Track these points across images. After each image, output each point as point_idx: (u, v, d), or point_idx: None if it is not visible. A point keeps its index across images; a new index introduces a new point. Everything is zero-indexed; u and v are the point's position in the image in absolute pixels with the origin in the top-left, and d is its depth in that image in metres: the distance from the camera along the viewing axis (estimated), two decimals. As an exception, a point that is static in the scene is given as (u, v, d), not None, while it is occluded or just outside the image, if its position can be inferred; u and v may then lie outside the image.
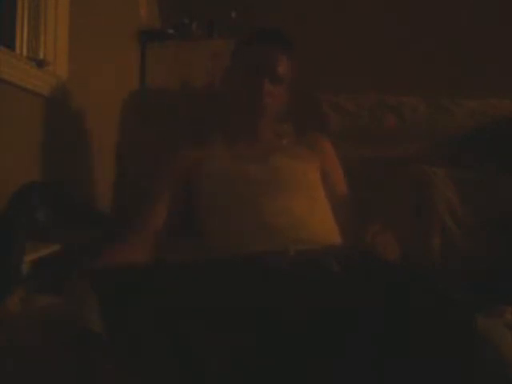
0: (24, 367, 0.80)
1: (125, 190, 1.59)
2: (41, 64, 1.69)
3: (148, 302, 0.80)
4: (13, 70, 1.53)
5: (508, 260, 1.31)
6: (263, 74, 1.30)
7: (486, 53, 2.60)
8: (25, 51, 1.71)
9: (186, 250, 1.22)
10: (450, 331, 0.77)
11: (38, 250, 1.27)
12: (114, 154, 1.62)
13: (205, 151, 1.35)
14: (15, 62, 1.57)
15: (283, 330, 0.80)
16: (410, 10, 2.72)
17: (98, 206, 1.83)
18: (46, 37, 1.75)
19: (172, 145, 1.44)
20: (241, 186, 1.23)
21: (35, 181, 1.50)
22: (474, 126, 1.63)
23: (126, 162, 1.61)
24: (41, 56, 1.73)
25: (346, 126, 1.63)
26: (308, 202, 1.24)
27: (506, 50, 2.58)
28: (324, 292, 0.86)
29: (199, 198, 1.29)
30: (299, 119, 1.51)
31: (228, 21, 2.72)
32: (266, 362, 0.78)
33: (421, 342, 0.77)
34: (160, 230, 1.24)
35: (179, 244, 1.24)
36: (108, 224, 1.49)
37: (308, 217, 1.20)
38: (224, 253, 1.12)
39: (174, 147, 1.41)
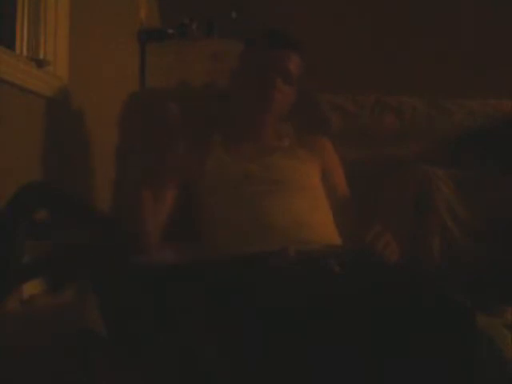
0: (24, 367, 0.80)
1: (125, 190, 1.59)
2: (41, 64, 1.69)
3: (148, 301, 0.80)
4: (13, 69, 1.53)
5: (508, 260, 1.31)
6: (276, 73, 1.31)
7: (485, 53, 2.60)
8: (25, 51, 1.71)
9: (186, 250, 1.22)
10: (450, 331, 0.77)
11: (38, 249, 1.27)
12: (114, 154, 1.62)
13: (205, 151, 1.35)
14: (15, 62, 1.56)
15: (283, 329, 0.80)
16: (410, 9, 2.72)
17: (97, 206, 1.83)
18: (45, 37, 1.75)
19: (172, 145, 1.44)
20: (241, 186, 1.23)
21: (35, 181, 1.49)
22: (474, 126, 1.62)
23: (126, 162, 1.61)
24: (41, 56, 1.73)
25: (346, 126, 1.63)
26: (308, 203, 1.24)
27: (506, 49, 2.58)
28: (324, 292, 0.86)
29: (199, 198, 1.29)
30: (299, 119, 1.51)
31: (228, 21, 2.72)
32: (266, 361, 0.78)
33: (421, 341, 0.77)
34: (160, 229, 1.24)
35: (179, 244, 1.24)
36: (108, 224, 1.49)
37: (308, 217, 1.20)
38: (224, 253, 1.13)
39: (174, 147, 1.41)
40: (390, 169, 1.52)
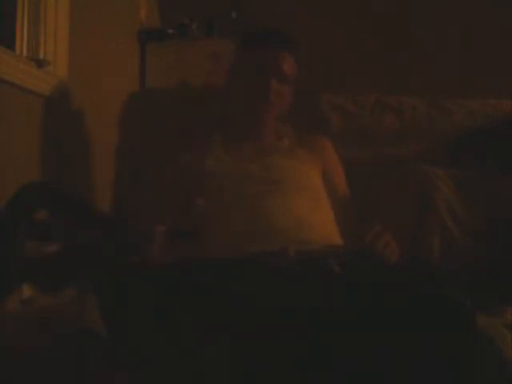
0: (24, 367, 0.80)
1: (125, 190, 1.59)
2: (41, 64, 1.69)
3: (148, 301, 0.80)
4: (13, 69, 1.53)
5: (508, 260, 1.31)
6: (270, 73, 1.31)
7: (485, 53, 2.60)
8: (25, 51, 1.71)
9: (186, 249, 1.22)
10: (450, 331, 0.77)
11: (38, 249, 1.27)
12: (114, 154, 1.62)
13: (205, 151, 1.35)
14: (15, 62, 1.56)
15: (283, 330, 0.80)
16: (410, 9, 2.72)
17: (98, 206, 1.83)
18: (45, 37, 1.75)
19: (172, 145, 1.44)
20: (241, 186, 1.23)
21: (35, 181, 1.49)
22: (474, 126, 1.63)
23: (126, 162, 1.61)
24: (41, 56, 1.73)
25: (346, 126, 1.63)
26: (309, 203, 1.24)
27: (506, 50, 2.58)
28: (324, 292, 0.86)
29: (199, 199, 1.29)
30: (299, 119, 1.51)
31: (228, 21, 2.71)
32: (265, 362, 0.78)
33: (421, 341, 0.77)
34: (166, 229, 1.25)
35: (179, 244, 1.24)
36: (108, 224, 1.49)
37: (308, 217, 1.20)
38: (224, 253, 1.12)
39: (174, 147, 1.41)
40: (389, 169, 1.52)
